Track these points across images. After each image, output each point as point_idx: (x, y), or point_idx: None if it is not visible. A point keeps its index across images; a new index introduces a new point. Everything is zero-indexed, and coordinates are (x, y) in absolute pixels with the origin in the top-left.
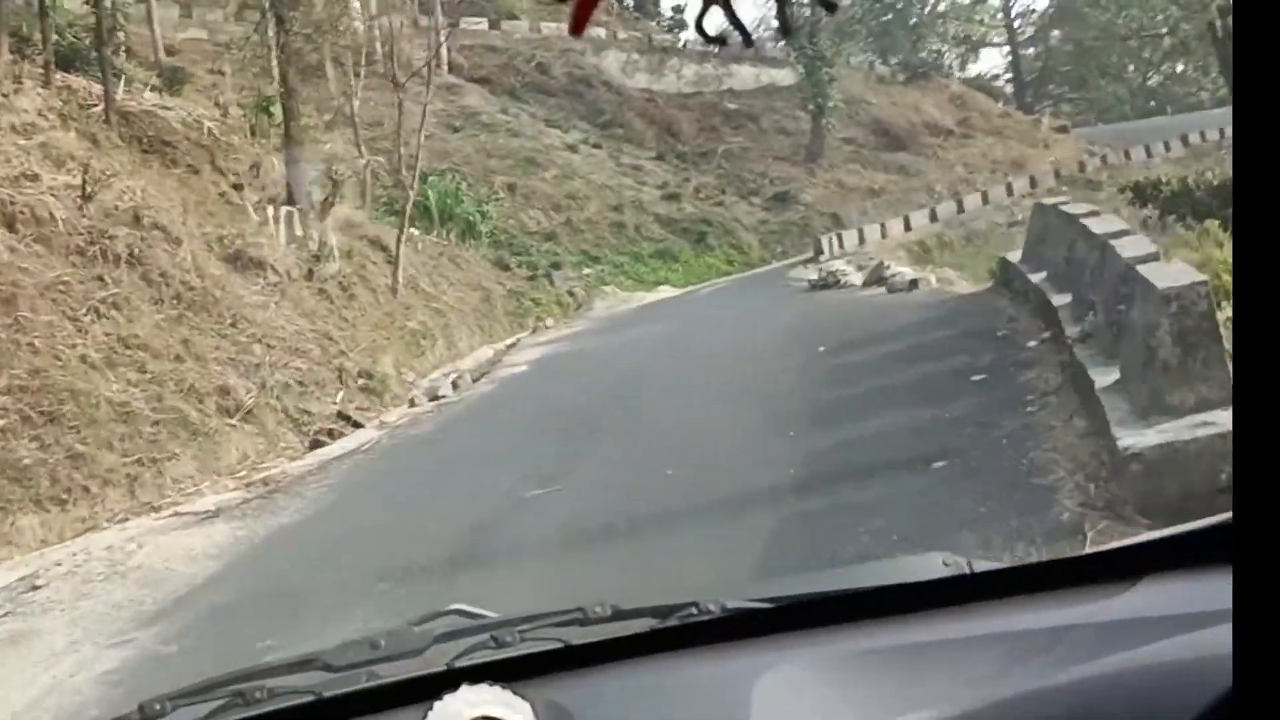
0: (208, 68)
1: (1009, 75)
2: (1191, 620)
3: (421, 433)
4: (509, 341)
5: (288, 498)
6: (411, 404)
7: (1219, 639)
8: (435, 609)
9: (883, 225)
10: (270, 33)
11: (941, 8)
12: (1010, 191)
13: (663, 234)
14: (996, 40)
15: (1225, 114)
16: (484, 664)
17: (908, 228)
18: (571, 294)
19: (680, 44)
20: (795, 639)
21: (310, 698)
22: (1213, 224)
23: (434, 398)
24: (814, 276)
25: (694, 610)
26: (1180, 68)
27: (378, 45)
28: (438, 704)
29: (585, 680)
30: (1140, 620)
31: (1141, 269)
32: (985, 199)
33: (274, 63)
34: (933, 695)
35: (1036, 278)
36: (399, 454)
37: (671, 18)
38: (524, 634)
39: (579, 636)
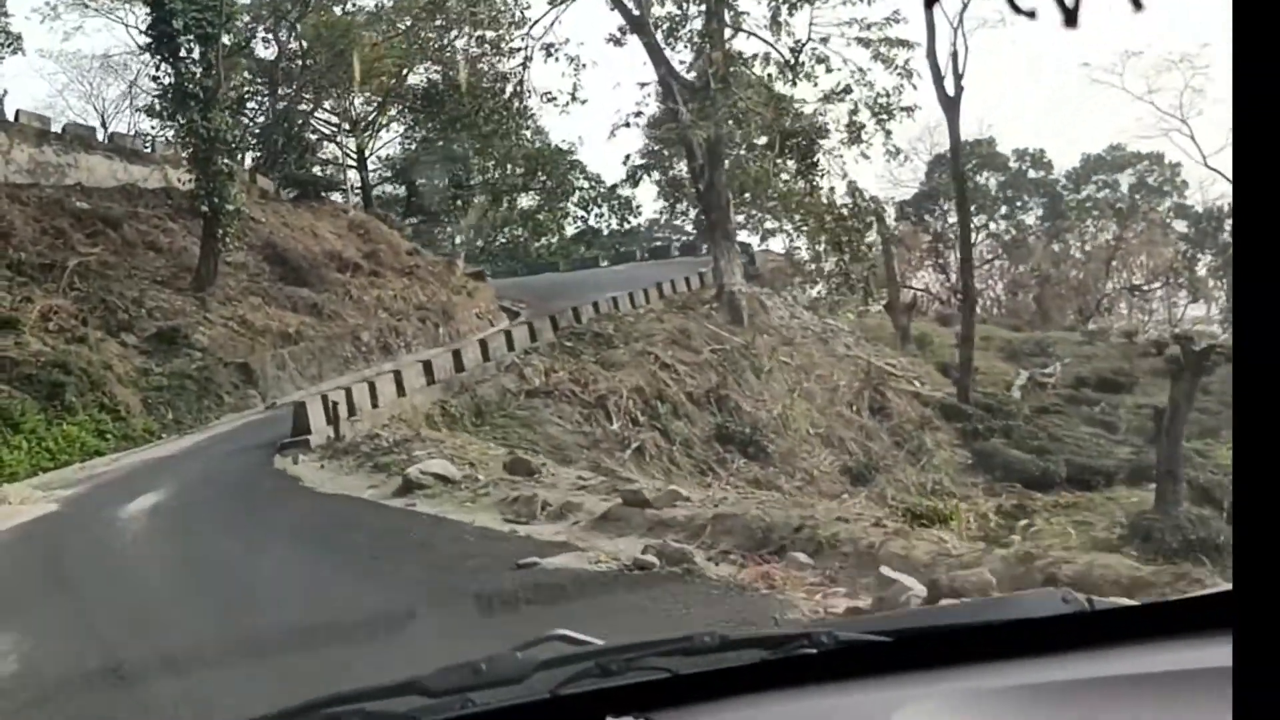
0: None
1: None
2: None
3: None
4: None
5: None
6: None
7: None
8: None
9: (372, 386)
10: None
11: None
12: (511, 344)
13: None
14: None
15: (637, 270)
16: (589, 692)
17: (401, 391)
18: None
19: (10, 115)
20: (914, 677)
21: None
22: None
23: None
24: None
25: (805, 642)
26: (520, 232)
27: None
28: None
29: (695, 713)
30: None
31: None
32: (486, 353)
33: None
34: None
35: None
36: None
37: None
38: (630, 662)
39: (686, 666)
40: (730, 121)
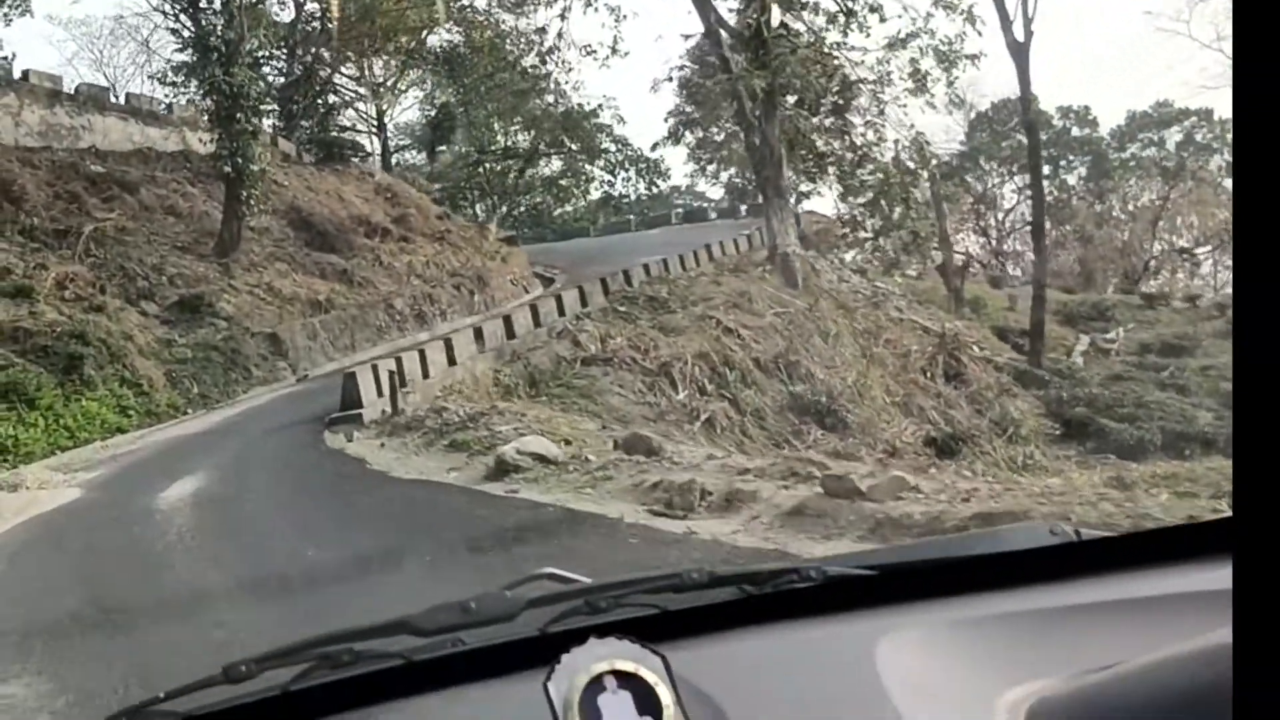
0: None
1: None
2: None
3: None
4: None
5: None
6: None
7: None
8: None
9: (423, 355)
10: None
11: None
12: (561, 309)
13: (4, 355)
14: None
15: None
16: (577, 629)
17: (451, 360)
18: None
19: (19, 75)
20: (899, 608)
21: (399, 661)
22: None
23: None
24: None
25: (794, 576)
26: (542, 198)
27: None
28: (565, 657)
29: (684, 647)
30: None
31: None
32: (536, 318)
33: None
34: (1059, 661)
35: None
36: None
37: None
38: (619, 599)
39: (676, 603)
40: (786, 71)
